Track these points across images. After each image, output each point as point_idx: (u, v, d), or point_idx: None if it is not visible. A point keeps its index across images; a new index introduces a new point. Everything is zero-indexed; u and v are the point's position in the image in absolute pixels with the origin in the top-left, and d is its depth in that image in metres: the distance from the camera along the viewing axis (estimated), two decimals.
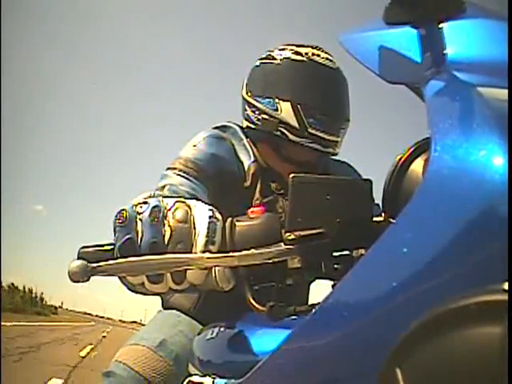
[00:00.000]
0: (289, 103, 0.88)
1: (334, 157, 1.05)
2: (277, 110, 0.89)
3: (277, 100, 0.89)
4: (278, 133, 0.90)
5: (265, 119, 0.91)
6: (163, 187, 0.77)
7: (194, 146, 0.91)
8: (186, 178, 0.83)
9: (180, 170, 0.85)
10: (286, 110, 0.88)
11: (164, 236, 0.47)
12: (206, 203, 0.52)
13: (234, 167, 0.94)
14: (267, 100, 0.91)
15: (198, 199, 0.76)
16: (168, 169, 0.87)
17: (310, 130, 0.87)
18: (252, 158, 0.96)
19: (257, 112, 0.93)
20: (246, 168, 0.95)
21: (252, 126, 0.95)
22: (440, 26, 0.42)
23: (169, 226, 0.48)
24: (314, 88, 0.90)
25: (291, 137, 0.89)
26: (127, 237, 0.47)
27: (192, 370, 0.75)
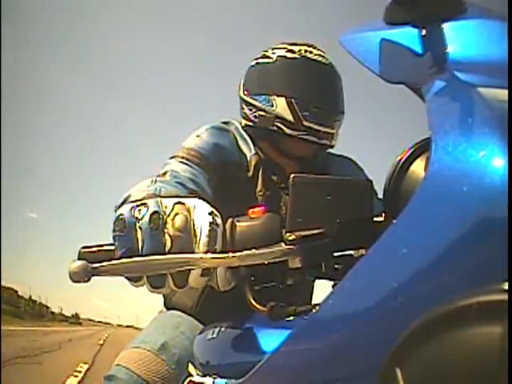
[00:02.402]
0: (283, 98, 0.90)
1: (337, 153, 1.06)
2: (272, 105, 0.92)
3: (272, 96, 0.92)
4: (275, 128, 0.92)
5: (261, 116, 0.94)
6: (165, 173, 0.77)
7: (198, 135, 0.93)
8: (187, 165, 0.84)
9: (182, 158, 0.86)
10: (280, 105, 0.90)
11: (164, 245, 0.46)
12: (205, 200, 0.51)
13: (236, 158, 0.96)
14: (263, 97, 0.93)
15: (198, 186, 0.76)
16: (171, 158, 0.87)
17: (305, 123, 0.89)
18: (253, 151, 0.98)
19: (253, 110, 0.95)
20: (248, 159, 0.97)
21: (250, 123, 0.97)
22: (440, 26, 0.42)
23: (169, 235, 0.47)
24: (308, 83, 0.92)
25: (287, 130, 0.91)
26: (127, 247, 0.47)
27: (192, 369, 0.75)
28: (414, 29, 0.43)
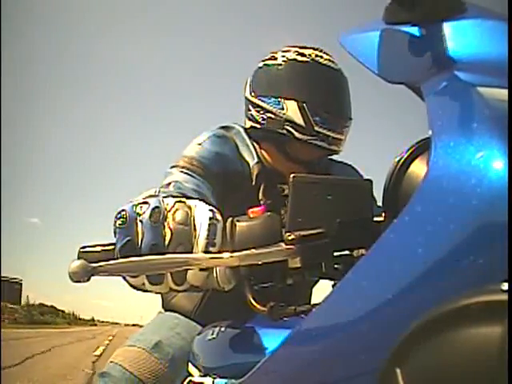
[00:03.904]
0: (295, 102, 0.89)
1: (337, 159, 1.06)
2: (282, 108, 0.90)
3: (282, 99, 0.90)
4: (284, 131, 0.91)
5: (270, 118, 0.92)
6: (168, 184, 0.77)
7: (199, 144, 0.92)
8: (190, 176, 0.83)
9: (184, 168, 0.85)
10: (291, 109, 0.89)
11: (164, 238, 0.47)
12: (207, 203, 0.52)
13: (238, 166, 0.95)
14: (272, 100, 0.92)
15: (202, 196, 0.76)
16: (172, 167, 0.87)
17: (315, 128, 0.88)
18: (255, 159, 0.97)
19: (262, 112, 0.94)
20: (250, 168, 0.96)
21: (256, 125, 0.96)
22: (440, 26, 0.42)
23: (169, 228, 0.47)
24: (319, 87, 0.91)
25: (297, 135, 0.90)
26: (127, 239, 0.47)
27: (192, 370, 0.75)
28: (414, 29, 0.43)
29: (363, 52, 0.47)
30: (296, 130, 0.89)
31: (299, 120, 0.89)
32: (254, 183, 0.95)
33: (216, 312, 0.81)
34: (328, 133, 0.89)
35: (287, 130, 0.90)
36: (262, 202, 0.94)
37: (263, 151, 0.99)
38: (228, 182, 0.91)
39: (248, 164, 0.96)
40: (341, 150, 0.95)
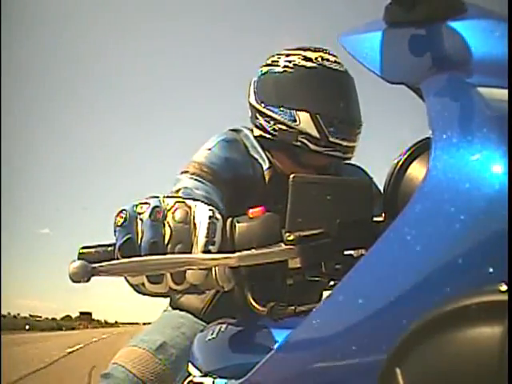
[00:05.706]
0: (307, 114, 0.87)
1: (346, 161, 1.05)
2: (295, 120, 0.88)
3: (294, 110, 0.88)
4: (298, 143, 0.88)
5: (282, 130, 0.89)
6: (178, 191, 0.76)
7: (208, 149, 0.90)
8: (200, 182, 0.82)
9: (194, 174, 0.84)
10: (304, 121, 0.87)
11: (164, 236, 0.48)
12: (206, 203, 0.52)
13: (249, 171, 0.94)
14: (283, 110, 0.89)
15: (212, 203, 0.75)
16: (182, 173, 0.86)
17: (330, 138, 0.86)
18: (267, 165, 0.96)
19: (272, 122, 0.91)
20: (261, 172, 0.95)
21: (267, 135, 0.93)
22: (440, 26, 0.42)
23: (169, 226, 0.48)
24: (330, 96, 0.89)
25: (312, 147, 0.88)
26: (127, 237, 0.47)
27: (192, 370, 0.75)
28: (414, 29, 0.43)
29: (363, 52, 0.47)
30: (311, 142, 0.87)
31: (313, 132, 0.86)
32: (266, 188, 0.94)
33: (225, 312, 0.80)
34: (343, 142, 0.88)
35: (301, 142, 0.88)
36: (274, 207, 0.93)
37: (274, 158, 0.97)
38: (239, 187, 0.89)
39: (260, 167, 0.95)
40: (353, 156, 0.94)
